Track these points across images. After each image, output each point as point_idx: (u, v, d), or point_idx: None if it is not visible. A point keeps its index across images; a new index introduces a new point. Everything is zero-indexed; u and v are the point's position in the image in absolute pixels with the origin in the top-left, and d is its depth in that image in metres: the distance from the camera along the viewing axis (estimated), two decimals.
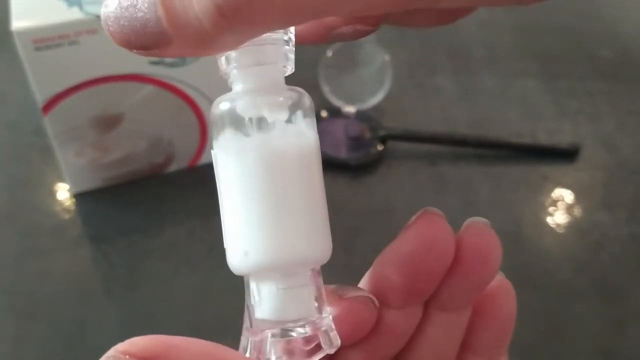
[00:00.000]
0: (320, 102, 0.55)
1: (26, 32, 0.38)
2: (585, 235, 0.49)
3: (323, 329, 0.18)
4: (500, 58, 0.64)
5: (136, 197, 0.49)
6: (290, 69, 0.18)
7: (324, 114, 0.55)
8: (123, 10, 0.15)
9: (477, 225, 0.20)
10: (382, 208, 0.50)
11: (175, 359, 0.14)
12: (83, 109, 0.43)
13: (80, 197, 0.49)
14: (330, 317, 0.19)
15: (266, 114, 0.18)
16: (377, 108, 0.56)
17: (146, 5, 0.15)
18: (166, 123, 0.47)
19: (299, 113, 0.18)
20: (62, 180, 0.49)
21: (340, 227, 0.47)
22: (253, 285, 0.18)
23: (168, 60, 0.42)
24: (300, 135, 0.18)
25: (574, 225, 0.50)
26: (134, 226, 0.47)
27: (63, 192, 0.49)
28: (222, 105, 0.18)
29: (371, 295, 0.20)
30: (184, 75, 0.44)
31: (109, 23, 0.15)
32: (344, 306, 0.20)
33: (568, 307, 0.45)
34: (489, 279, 0.20)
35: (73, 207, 0.49)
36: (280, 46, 0.18)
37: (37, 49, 0.38)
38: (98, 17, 0.39)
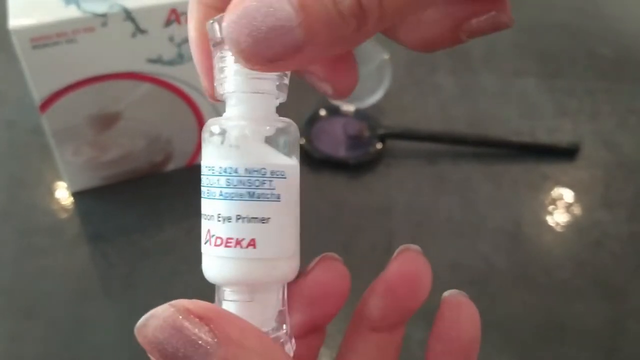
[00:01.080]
0: (319, 101, 0.55)
1: (24, 31, 0.37)
2: (586, 234, 0.49)
3: (281, 340, 0.19)
4: (500, 56, 0.64)
5: (134, 196, 0.49)
6: (283, 98, 0.19)
7: (322, 112, 0.55)
8: (259, 23, 0.15)
9: (409, 253, 0.22)
10: (382, 207, 0.50)
11: (222, 326, 0.16)
12: (81, 108, 0.43)
13: (78, 195, 0.49)
14: (288, 330, 0.20)
15: (251, 140, 0.19)
16: (376, 107, 0.55)
17: (284, 13, 0.15)
18: (164, 121, 0.47)
19: (283, 141, 0.19)
20: (60, 179, 0.49)
21: (339, 226, 0.47)
22: (222, 294, 0.19)
23: (166, 58, 0.42)
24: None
25: (574, 224, 0.50)
26: (132, 225, 0.47)
27: (61, 191, 0.49)
28: (214, 128, 0.19)
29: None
30: (182, 73, 0.44)
31: (241, 40, 0.15)
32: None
33: (568, 306, 0.45)
34: (418, 303, 0.22)
35: (71, 206, 0.48)
36: (275, 80, 0.19)
37: (35, 47, 0.38)
38: (95, 15, 0.38)
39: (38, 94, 0.41)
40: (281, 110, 0.20)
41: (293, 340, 0.20)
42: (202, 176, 0.19)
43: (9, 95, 0.56)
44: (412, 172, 0.53)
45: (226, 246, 0.18)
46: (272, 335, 0.19)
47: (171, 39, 0.41)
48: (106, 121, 0.45)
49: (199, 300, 0.16)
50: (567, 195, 0.52)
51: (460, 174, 0.53)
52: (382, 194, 0.51)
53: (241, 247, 0.18)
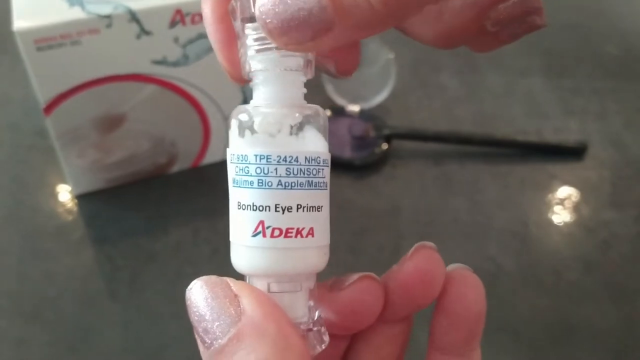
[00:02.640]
0: (324, 102, 0.55)
1: (28, 32, 0.37)
2: (594, 234, 0.49)
3: (315, 328, 0.19)
4: (505, 56, 0.63)
5: (139, 199, 0.49)
6: (310, 75, 0.19)
7: (327, 113, 0.54)
8: (287, 5, 0.15)
9: (424, 251, 0.22)
10: (387, 208, 0.50)
11: (249, 305, 0.17)
12: (85, 110, 0.43)
13: (82, 198, 0.48)
14: (322, 316, 0.20)
15: (280, 128, 0.19)
16: (381, 107, 0.55)
17: None
18: (169, 123, 0.47)
19: (311, 127, 0.19)
20: (64, 181, 0.49)
21: (345, 227, 0.47)
22: (257, 284, 0.19)
23: (171, 59, 0.42)
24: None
25: (581, 224, 0.49)
26: (137, 228, 0.47)
27: (65, 194, 0.49)
28: (242, 116, 0.19)
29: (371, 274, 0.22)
30: (187, 75, 0.43)
31: (268, 19, 0.16)
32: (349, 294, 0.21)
33: (577, 307, 0.44)
34: (431, 300, 0.22)
35: (75, 209, 0.48)
36: (302, 58, 0.19)
37: (39, 49, 0.38)
38: (100, 16, 0.38)
39: (42, 96, 0.41)
40: None
41: (327, 335, 0.20)
42: (243, 166, 0.18)
43: (12, 98, 0.55)
44: (418, 173, 0.52)
45: (286, 237, 0.18)
46: (308, 326, 0.19)
47: (176, 40, 0.41)
48: (111, 123, 0.45)
49: (241, 281, 0.18)
50: (574, 195, 0.52)
51: (467, 175, 0.52)
52: (388, 195, 0.51)
53: (302, 236, 0.18)
